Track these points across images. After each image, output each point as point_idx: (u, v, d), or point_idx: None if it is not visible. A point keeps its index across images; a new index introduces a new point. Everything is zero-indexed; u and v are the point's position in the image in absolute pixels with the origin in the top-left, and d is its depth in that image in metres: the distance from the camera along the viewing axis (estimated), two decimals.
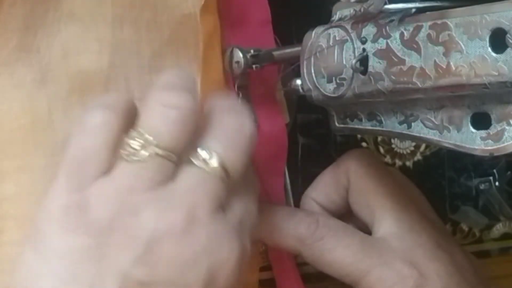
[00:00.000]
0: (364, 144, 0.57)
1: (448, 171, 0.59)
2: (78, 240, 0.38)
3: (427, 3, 0.40)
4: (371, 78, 0.42)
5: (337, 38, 0.44)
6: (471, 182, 0.59)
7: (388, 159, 0.57)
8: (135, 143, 0.39)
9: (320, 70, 0.45)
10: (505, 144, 0.37)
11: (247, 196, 0.43)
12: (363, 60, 0.42)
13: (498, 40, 0.36)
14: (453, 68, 0.38)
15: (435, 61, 0.39)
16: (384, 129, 0.43)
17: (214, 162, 0.40)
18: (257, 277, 0.50)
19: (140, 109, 0.40)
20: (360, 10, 0.43)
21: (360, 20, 0.43)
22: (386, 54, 0.41)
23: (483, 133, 0.38)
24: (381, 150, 0.57)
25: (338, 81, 0.44)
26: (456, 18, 0.38)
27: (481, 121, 0.38)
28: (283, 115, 0.52)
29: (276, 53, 0.49)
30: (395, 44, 0.40)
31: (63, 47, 0.44)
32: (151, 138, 0.39)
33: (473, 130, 0.39)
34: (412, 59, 0.40)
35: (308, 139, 0.55)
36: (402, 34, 0.40)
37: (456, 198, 0.59)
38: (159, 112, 0.39)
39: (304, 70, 0.45)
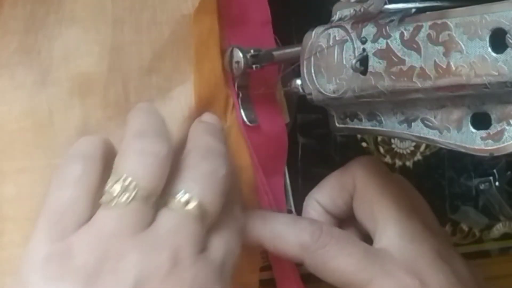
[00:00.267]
0: (364, 144, 0.57)
1: (448, 171, 0.59)
2: (65, 287, 0.39)
3: (427, 3, 0.40)
4: (371, 78, 0.42)
5: (337, 38, 0.44)
6: (471, 182, 0.59)
7: (388, 159, 0.57)
8: (115, 189, 0.40)
9: (320, 70, 0.45)
10: (505, 144, 0.37)
11: (229, 234, 0.43)
12: (363, 60, 0.42)
13: (498, 40, 0.36)
14: (453, 68, 0.38)
15: (435, 61, 0.39)
16: (384, 129, 0.43)
17: (192, 205, 0.41)
18: (257, 277, 0.50)
19: (117, 154, 0.41)
20: (360, 10, 0.43)
21: (360, 20, 0.43)
22: (386, 54, 0.41)
23: (483, 133, 0.38)
24: (381, 150, 0.57)
25: (338, 81, 0.44)
26: (456, 18, 0.38)
27: (481, 121, 0.38)
28: (283, 115, 0.52)
29: (276, 53, 0.49)
30: (395, 44, 0.40)
31: (63, 49, 0.44)
32: (129, 183, 0.40)
33: (473, 130, 0.39)
34: (412, 59, 0.40)
35: (308, 139, 0.55)
36: (402, 34, 0.40)
37: (456, 198, 0.59)
38: (136, 159, 0.40)
39: (304, 70, 0.45)
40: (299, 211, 0.51)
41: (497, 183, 0.60)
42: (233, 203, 0.45)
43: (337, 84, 0.44)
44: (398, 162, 0.57)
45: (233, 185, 0.45)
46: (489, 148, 0.38)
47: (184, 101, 0.46)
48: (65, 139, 0.44)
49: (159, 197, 0.41)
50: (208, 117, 0.46)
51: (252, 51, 0.48)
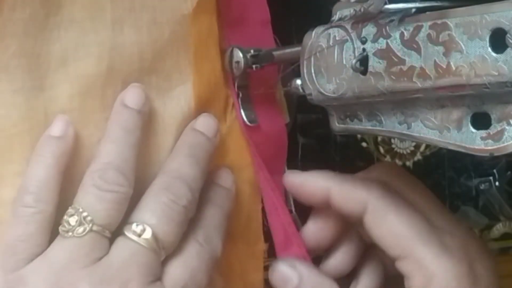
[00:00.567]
0: (364, 144, 0.57)
1: (448, 171, 0.59)
2: None
3: (427, 3, 0.40)
4: (371, 78, 0.42)
5: (337, 38, 0.44)
6: (471, 182, 0.59)
7: (388, 159, 0.57)
8: (72, 220, 0.41)
9: (320, 70, 0.45)
10: (505, 144, 0.37)
11: (194, 262, 0.44)
12: (363, 60, 0.42)
13: (498, 40, 0.36)
14: (453, 68, 0.38)
15: (435, 61, 0.39)
16: (384, 129, 0.43)
17: (147, 235, 0.42)
18: (261, 276, 0.50)
19: (80, 184, 0.43)
20: (360, 10, 0.43)
21: (360, 20, 0.43)
22: (386, 54, 0.41)
23: (483, 133, 0.38)
24: (381, 150, 0.57)
25: (338, 81, 0.44)
26: (456, 18, 0.38)
27: (481, 121, 0.38)
28: (283, 115, 0.52)
29: (276, 53, 0.48)
30: (395, 44, 0.40)
31: (62, 53, 0.44)
32: (86, 217, 0.41)
33: (473, 130, 0.39)
34: (412, 59, 0.40)
35: (308, 139, 0.55)
36: (402, 34, 0.40)
37: (456, 198, 0.59)
38: (94, 195, 0.42)
39: (304, 70, 0.45)
40: (299, 211, 0.51)
41: (497, 183, 0.60)
42: (209, 226, 0.46)
43: (337, 84, 0.44)
44: (398, 162, 0.57)
45: (212, 204, 0.46)
46: (489, 148, 0.38)
47: (184, 101, 0.46)
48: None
49: (117, 227, 0.42)
50: (202, 124, 0.47)
51: (252, 51, 0.48)
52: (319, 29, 0.45)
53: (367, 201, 0.46)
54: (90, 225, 0.41)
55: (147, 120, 0.45)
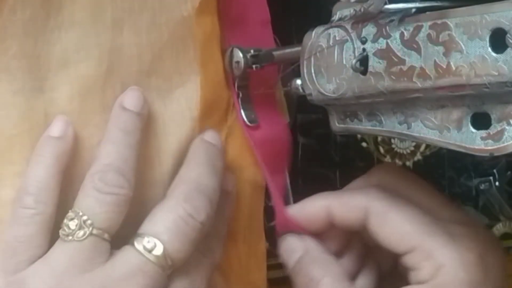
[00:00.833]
0: (364, 144, 0.57)
1: (448, 171, 0.59)
2: None
3: (427, 3, 0.40)
4: (371, 78, 0.42)
5: (337, 38, 0.44)
6: (471, 182, 0.59)
7: (388, 159, 0.57)
8: (72, 224, 0.41)
9: (320, 70, 0.45)
10: (505, 144, 0.37)
11: (195, 272, 0.44)
12: (363, 60, 0.42)
13: (498, 40, 0.36)
14: (453, 68, 0.38)
15: (435, 61, 0.39)
16: (384, 129, 0.43)
17: (157, 251, 0.42)
18: (264, 275, 0.50)
19: (80, 188, 0.42)
20: (360, 10, 0.43)
21: (360, 20, 0.43)
22: (386, 54, 0.41)
23: (483, 133, 0.38)
24: (381, 150, 0.57)
25: (338, 81, 0.44)
26: (456, 18, 0.38)
27: (481, 121, 0.38)
28: (283, 115, 0.52)
29: (276, 53, 0.48)
30: (395, 44, 0.40)
31: (63, 54, 0.44)
32: (86, 220, 0.41)
33: (473, 130, 0.39)
34: (412, 59, 0.40)
35: (308, 139, 0.55)
36: (402, 34, 0.40)
37: (456, 198, 0.59)
38: (94, 197, 0.42)
39: (304, 70, 0.45)
40: None
41: (497, 183, 0.60)
42: (213, 236, 0.45)
43: (337, 84, 0.44)
44: (398, 162, 0.57)
45: (219, 214, 0.46)
46: (489, 148, 0.38)
47: (185, 102, 0.46)
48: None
49: (128, 235, 0.42)
50: (211, 136, 0.46)
51: (252, 51, 0.48)
52: (319, 29, 0.45)
53: (367, 206, 0.46)
54: (90, 228, 0.41)
55: (146, 122, 0.45)
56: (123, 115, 0.44)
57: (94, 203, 0.41)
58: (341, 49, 0.43)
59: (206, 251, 0.45)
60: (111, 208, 0.42)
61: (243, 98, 0.49)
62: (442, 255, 0.44)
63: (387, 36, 0.41)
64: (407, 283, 0.45)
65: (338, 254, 0.49)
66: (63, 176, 0.43)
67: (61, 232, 0.41)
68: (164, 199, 0.44)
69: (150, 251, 0.41)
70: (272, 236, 0.50)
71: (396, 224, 0.45)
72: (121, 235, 0.42)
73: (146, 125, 0.45)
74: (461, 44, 0.37)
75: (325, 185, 0.55)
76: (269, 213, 0.49)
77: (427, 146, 0.58)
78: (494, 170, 0.60)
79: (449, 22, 0.38)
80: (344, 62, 0.43)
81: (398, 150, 0.57)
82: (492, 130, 0.38)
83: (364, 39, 0.42)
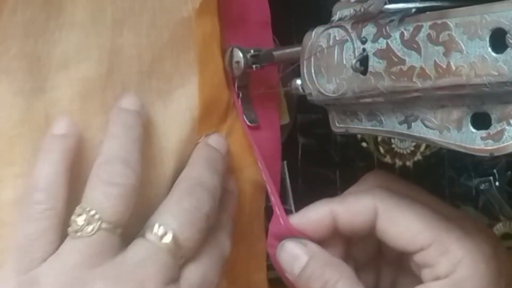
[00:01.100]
0: (364, 144, 0.57)
1: (448, 171, 0.59)
2: None
3: (427, 3, 0.40)
4: (371, 78, 0.42)
5: (337, 38, 0.44)
6: (471, 182, 0.59)
7: (388, 159, 0.57)
8: (80, 220, 0.41)
9: (320, 70, 0.45)
10: (505, 144, 0.37)
11: (206, 265, 0.44)
12: (363, 60, 0.42)
13: (498, 40, 0.36)
14: (453, 68, 0.38)
15: (435, 61, 0.39)
16: (384, 129, 0.43)
17: (168, 239, 0.42)
18: (265, 275, 0.50)
19: (87, 181, 0.42)
20: (360, 10, 0.43)
21: (360, 20, 0.43)
22: (386, 54, 0.41)
23: (483, 133, 0.38)
24: (381, 150, 0.57)
25: (338, 81, 0.44)
26: (456, 18, 0.38)
27: (481, 121, 0.38)
28: (282, 115, 0.52)
29: (276, 53, 0.48)
30: (395, 44, 0.40)
31: (63, 55, 0.44)
32: (94, 215, 0.41)
33: (473, 130, 0.39)
34: (412, 59, 0.40)
35: (308, 139, 0.55)
36: (402, 34, 0.40)
37: (456, 198, 0.59)
38: (101, 190, 0.41)
39: (304, 70, 0.45)
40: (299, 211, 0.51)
41: (497, 183, 0.60)
42: (219, 229, 0.46)
43: (337, 84, 0.44)
44: (398, 162, 0.57)
45: (223, 211, 0.46)
46: (489, 148, 0.38)
47: (185, 103, 0.46)
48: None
49: (138, 227, 0.42)
50: (215, 141, 0.47)
51: (252, 51, 0.48)
52: (319, 29, 0.45)
53: (376, 206, 0.45)
54: (99, 223, 0.41)
55: (147, 122, 0.45)
56: (122, 113, 0.44)
57: (102, 197, 0.41)
58: (341, 49, 0.43)
59: (215, 244, 0.45)
60: (119, 201, 0.41)
61: (243, 98, 0.49)
62: (459, 249, 0.43)
63: (387, 36, 0.41)
64: (419, 282, 0.45)
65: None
66: (70, 173, 0.43)
67: (69, 229, 0.41)
68: (168, 196, 0.44)
69: (160, 238, 0.42)
70: None
71: (408, 222, 0.45)
72: (130, 233, 0.42)
73: (146, 125, 0.45)
74: (461, 44, 0.37)
75: (325, 185, 0.55)
76: (269, 213, 0.49)
77: (427, 146, 0.58)
78: (494, 170, 0.60)
79: (449, 22, 0.38)
80: (344, 62, 0.43)
81: (398, 150, 0.57)
82: (492, 130, 0.38)
83: (364, 39, 0.42)
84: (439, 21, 0.38)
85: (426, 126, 0.41)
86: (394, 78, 0.41)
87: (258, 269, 0.50)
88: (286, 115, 0.52)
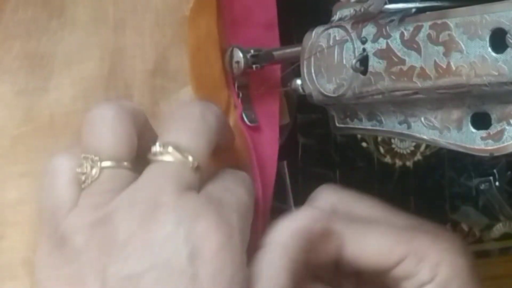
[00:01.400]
0: (364, 144, 0.57)
1: (448, 171, 0.59)
2: (65, 271, 0.39)
3: (427, 3, 0.40)
4: (371, 78, 0.42)
5: (337, 38, 0.44)
6: (471, 182, 0.59)
7: (388, 159, 0.57)
8: (85, 168, 0.40)
9: (320, 70, 0.45)
10: (505, 144, 0.37)
11: (230, 184, 0.42)
12: (363, 60, 0.42)
13: (498, 40, 0.36)
14: (453, 68, 0.38)
15: (435, 61, 0.39)
16: (384, 129, 0.43)
17: (168, 150, 0.40)
18: None
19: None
20: (360, 10, 0.43)
21: (360, 20, 0.43)
22: (386, 54, 0.41)
23: (483, 133, 0.38)
24: (381, 150, 0.57)
25: (338, 81, 0.44)
26: (456, 18, 0.38)
27: (481, 121, 0.38)
28: (282, 115, 0.52)
29: (276, 53, 0.48)
30: (395, 44, 0.40)
31: (66, 54, 0.44)
32: (93, 156, 0.40)
33: (473, 130, 0.39)
34: (412, 59, 0.40)
35: (308, 139, 0.55)
36: (402, 34, 0.40)
37: (456, 198, 0.59)
38: (87, 129, 0.40)
39: (304, 70, 0.45)
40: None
41: (497, 183, 0.60)
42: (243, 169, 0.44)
43: (337, 84, 0.44)
44: (398, 162, 0.57)
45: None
46: (489, 148, 0.38)
47: None
48: (67, 143, 0.44)
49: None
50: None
51: (252, 51, 0.48)
52: (319, 29, 0.45)
53: (339, 244, 0.44)
54: (99, 164, 0.40)
55: (151, 122, 0.45)
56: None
57: (91, 137, 0.40)
58: (341, 49, 0.43)
59: (238, 180, 0.43)
60: (108, 135, 0.40)
61: (243, 98, 0.49)
62: (435, 252, 0.43)
63: (387, 36, 0.41)
64: None
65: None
66: None
67: (80, 181, 0.40)
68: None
69: (161, 153, 0.40)
70: None
71: (377, 240, 0.44)
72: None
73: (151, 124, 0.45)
74: (461, 44, 0.38)
75: None
76: (272, 212, 0.49)
77: (427, 146, 0.58)
78: (494, 170, 0.60)
79: (449, 22, 0.38)
80: (344, 62, 0.43)
81: (398, 150, 0.57)
82: (492, 130, 0.38)
83: (364, 39, 0.42)
84: (439, 21, 0.38)
85: (426, 126, 0.41)
86: (394, 78, 0.41)
87: None
88: (286, 115, 0.52)
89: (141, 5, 0.45)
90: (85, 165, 0.40)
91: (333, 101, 0.45)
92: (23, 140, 0.43)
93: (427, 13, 0.39)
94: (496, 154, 0.38)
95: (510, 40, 0.36)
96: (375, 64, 0.41)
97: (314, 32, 0.45)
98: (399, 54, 0.40)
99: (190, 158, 0.40)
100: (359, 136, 0.56)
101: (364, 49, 0.42)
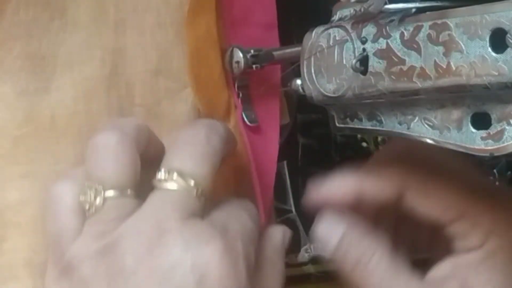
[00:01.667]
0: (364, 144, 0.57)
1: None
2: None
3: (427, 3, 0.40)
4: (371, 78, 0.42)
5: (337, 38, 0.44)
6: None
7: None
8: (88, 196, 0.41)
9: (320, 70, 0.45)
10: (505, 144, 0.37)
11: (235, 211, 0.43)
12: (363, 60, 0.42)
13: (498, 40, 0.36)
14: (453, 68, 0.38)
15: (435, 61, 0.39)
16: (384, 129, 0.43)
17: (173, 177, 0.41)
18: None
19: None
20: (360, 10, 0.43)
21: (360, 20, 0.43)
22: (386, 54, 0.41)
23: (483, 133, 0.38)
24: None
25: (338, 81, 0.44)
26: (456, 18, 0.38)
27: (481, 121, 0.38)
28: (282, 115, 0.52)
29: (276, 53, 0.49)
30: (395, 44, 0.40)
31: (67, 55, 0.44)
32: (97, 185, 0.40)
33: (473, 130, 0.39)
34: (412, 59, 0.40)
35: (308, 139, 0.55)
36: (402, 34, 0.40)
37: None
38: (91, 157, 0.41)
39: (304, 70, 0.45)
40: (299, 211, 0.51)
41: (497, 183, 0.60)
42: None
43: (337, 84, 0.44)
44: None
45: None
46: (489, 148, 0.38)
47: (191, 102, 0.46)
48: (68, 144, 0.44)
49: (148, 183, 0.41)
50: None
51: (252, 51, 0.48)
52: (319, 29, 0.45)
53: (404, 186, 0.44)
54: (102, 193, 0.40)
55: (153, 121, 0.45)
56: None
57: (94, 166, 0.41)
58: (341, 49, 0.43)
59: (244, 210, 0.44)
60: (110, 164, 0.40)
61: (243, 98, 0.49)
62: (489, 221, 0.43)
63: (387, 36, 0.41)
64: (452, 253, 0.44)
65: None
66: None
67: (85, 209, 0.41)
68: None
69: (166, 180, 0.41)
70: None
71: (438, 196, 0.44)
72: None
73: (152, 125, 0.45)
74: (461, 44, 0.38)
75: None
76: (275, 213, 0.50)
77: None
78: (494, 170, 0.60)
79: (449, 22, 0.38)
80: (344, 62, 0.43)
81: None
82: (492, 130, 0.38)
83: (364, 39, 0.42)
84: (439, 21, 0.38)
85: (426, 126, 0.41)
86: (394, 78, 0.41)
87: None
88: (286, 115, 0.52)
89: (142, 5, 0.45)
90: (89, 193, 0.41)
91: (333, 101, 0.45)
92: (24, 140, 0.43)
93: (427, 13, 0.39)
94: (496, 154, 0.38)
95: (510, 40, 0.36)
96: (375, 64, 0.41)
97: (314, 32, 0.45)
98: (399, 54, 0.40)
99: (195, 185, 0.41)
100: (359, 136, 0.56)
101: (364, 49, 0.42)
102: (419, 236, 0.48)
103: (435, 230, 0.46)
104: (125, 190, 0.41)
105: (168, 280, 0.38)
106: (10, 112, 0.43)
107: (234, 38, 0.49)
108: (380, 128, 0.44)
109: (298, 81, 0.46)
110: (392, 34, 0.41)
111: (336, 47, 0.44)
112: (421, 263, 0.46)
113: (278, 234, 0.46)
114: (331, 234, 0.45)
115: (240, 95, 0.49)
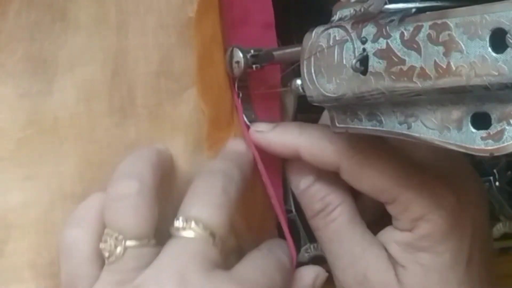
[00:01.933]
0: None
1: None
2: None
3: (427, 3, 0.40)
4: (371, 78, 0.42)
5: (337, 38, 0.44)
6: None
7: None
8: (108, 245, 0.41)
9: (320, 70, 0.44)
10: (505, 144, 0.37)
11: (261, 260, 0.44)
12: (363, 60, 0.42)
13: (498, 40, 0.36)
14: (453, 68, 0.38)
15: (435, 61, 0.39)
16: (384, 129, 0.43)
17: (191, 226, 0.42)
18: None
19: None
20: (360, 10, 0.43)
21: (360, 20, 0.43)
22: (386, 54, 0.41)
23: (483, 133, 0.38)
24: None
25: (338, 81, 0.44)
26: (456, 18, 0.38)
27: (481, 121, 0.38)
28: (283, 115, 0.52)
29: (276, 53, 0.49)
30: (395, 44, 0.40)
31: (69, 57, 0.44)
32: (117, 234, 0.41)
33: (473, 130, 0.39)
34: (412, 59, 0.40)
35: None
36: (402, 34, 0.40)
37: None
38: (113, 207, 0.42)
39: (304, 70, 0.45)
40: (299, 211, 0.51)
41: (497, 183, 0.60)
42: (266, 242, 0.46)
43: (337, 84, 0.44)
44: None
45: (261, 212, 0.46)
46: (489, 148, 0.38)
47: (193, 103, 0.46)
48: (71, 146, 0.44)
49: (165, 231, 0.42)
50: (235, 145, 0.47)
51: (252, 51, 0.48)
52: (319, 29, 0.45)
53: (339, 162, 0.46)
54: (123, 242, 0.41)
55: (154, 123, 0.45)
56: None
57: (115, 215, 0.42)
58: (341, 49, 0.43)
59: (268, 251, 0.45)
60: (132, 213, 0.41)
61: (243, 98, 0.49)
62: (418, 207, 0.45)
63: (387, 36, 0.41)
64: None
65: None
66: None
67: (104, 256, 0.42)
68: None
69: (183, 229, 0.41)
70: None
71: (372, 179, 0.46)
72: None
73: (154, 126, 0.45)
74: (461, 44, 0.37)
75: None
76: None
77: None
78: (494, 170, 0.60)
79: (449, 22, 0.38)
80: (344, 62, 0.43)
81: None
82: (492, 130, 0.38)
83: (364, 39, 0.42)
84: (439, 21, 0.38)
85: (426, 126, 0.41)
86: (394, 78, 0.41)
87: None
88: (286, 115, 0.52)
89: (144, 6, 0.45)
90: (109, 242, 0.41)
91: (333, 101, 0.45)
92: (27, 143, 0.43)
93: (427, 13, 0.39)
94: (496, 154, 0.38)
95: (510, 40, 0.36)
96: (375, 64, 0.41)
97: (314, 32, 0.45)
98: (399, 54, 0.40)
99: (211, 234, 0.42)
100: None
101: (364, 49, 0.42)
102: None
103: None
104: (145, 239, 0.42)
105: None
106: (12, 114, 0.43)
107: (234, 38, 0.49)
108: (380, 128, 0.44)
109: (298, 81, 0.46)
110: (392, 34, 0.41)
111: (336, 47, 0.44)
112: None
113: (309, 277, 0.48)
114: (302, 178, 0.48)
115: (240, 95, 0.49)
